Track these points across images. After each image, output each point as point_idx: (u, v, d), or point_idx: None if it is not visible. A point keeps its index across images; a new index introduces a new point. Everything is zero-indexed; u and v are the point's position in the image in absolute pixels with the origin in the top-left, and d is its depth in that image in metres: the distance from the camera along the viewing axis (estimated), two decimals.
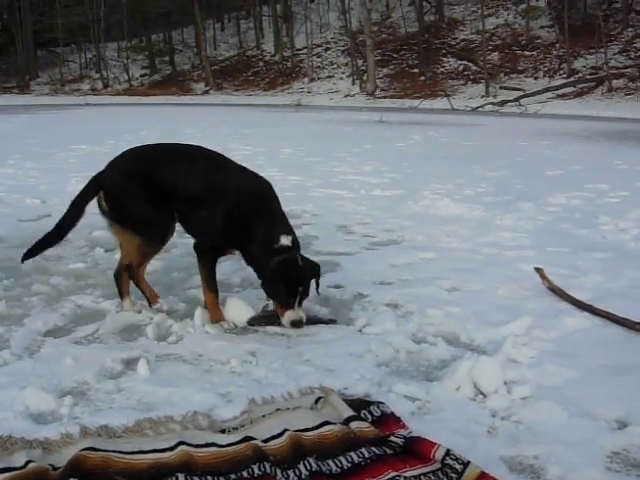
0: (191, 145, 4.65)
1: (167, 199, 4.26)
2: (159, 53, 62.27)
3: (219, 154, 4.49)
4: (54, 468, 2.53)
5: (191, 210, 4.28)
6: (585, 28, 42.89)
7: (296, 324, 4.01)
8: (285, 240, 4.09)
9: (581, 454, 2.68)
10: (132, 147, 4.63)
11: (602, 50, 39.82)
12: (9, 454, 2.61)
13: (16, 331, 3.99)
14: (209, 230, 4.23)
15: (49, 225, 6.82)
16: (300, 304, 4.06)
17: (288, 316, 4.01)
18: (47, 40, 63.35)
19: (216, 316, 4.19)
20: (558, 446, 2.74)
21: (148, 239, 4.31)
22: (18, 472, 2.47)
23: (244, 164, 4.57)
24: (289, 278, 3.99)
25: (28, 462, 2.51)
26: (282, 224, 4.18)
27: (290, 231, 4.16)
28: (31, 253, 4.45)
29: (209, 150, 4.52)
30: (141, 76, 60.97)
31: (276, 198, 4.27)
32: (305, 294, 4.09)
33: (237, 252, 4.30)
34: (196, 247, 4.31)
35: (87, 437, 2.77)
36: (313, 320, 4.16)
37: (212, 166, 4.33)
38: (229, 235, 4.16)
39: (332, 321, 4.21)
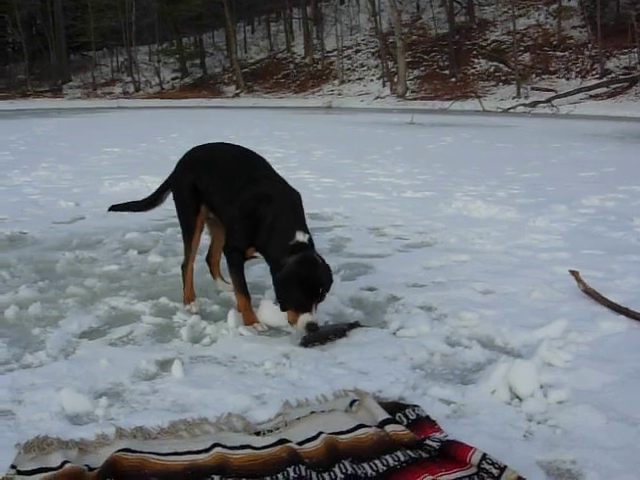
0: (241, 149, 4.67)
1: (201, 198, 4.49)
2: (190, 56, 62.62)
3: (262, 161, 4.52)
4: (90, 469, 2.55)
5: (221, 211, 4.43)
6: (618, 28, 42.39)
7: (313, 328, 3.87)
8: (301, 237, 4.01)
9: (620, 459, 2.64)
10: (197, 145, 4.84)
11: (635, 50, 39.37)
12: (46, 454, 2.63)
13: (51, 333, 4.04)
14: (232, 231, 4.28)
15: (83, 227, 7.00)
16: (316, 307, 3.94)
17: (303, 319, 3.86)
18: (80, 44, 64.03)
19: (249, 319, 4.18)
20: (596, 451, 2.71)
21: (182, 235, 4.69)
22: (54, 472, 2.49)
23: (277, 166, 4.60)
24: (309, 278, 3.88)
25: (64, 462, 2.54)
26: (299, 224, 4.11)
27: (307, 230, 4.10)
28: (117, 207, 5.12)
29: (255, 156, 4.55)
30: (172, 79, 61.34)
31: (299, 204, 4.23)
32: (324, 296, 3.99)
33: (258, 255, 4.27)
34: (223, 248, 4.40)
35: (122, 438, 2.78)
36: (327, 332, 4.00)
37: (245, 173, 4.34)
38: (248, 235, 4.15)
39: (353, 325, 4.13)
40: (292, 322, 3.95)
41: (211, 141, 4.92)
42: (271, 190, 4.20)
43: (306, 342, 3.88)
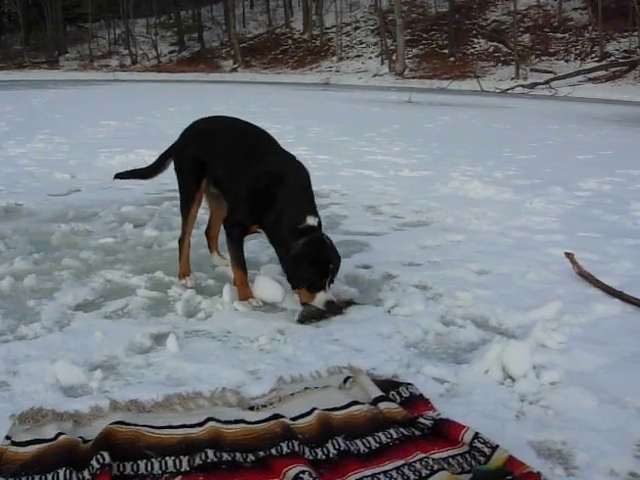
0: (245, 123, 4.63)
1: (203, 171, 4.45)
2: (188, 30, 62.20)
3: (267, 135, 4.49)
4: (84, 441, 2.56)
5: (225, 186, 4.40)
6: (619, 11, 42.18)
7: (330, 304, 3.90)
8: (311, 220, 4.02)
9: (610, 441, 2.66)
10: (201, 117, 4.82)
11: (636, 33, 39.24)
12: (40, 426, 2.64)
13: (46, 305, 4.04)
14: (236, 206, 4.26)
15: (79, 200, 6.99)
16: (329, 285, 3.97)
17: (320, 298, 3.89)
18: (76, 16, 63.59)
19: (245, 293, 4.18)
20: (587, 432, 2.72)
21: (181, 208, 4.63)
22: (49, 444, 2.50)
23: None
24: (320, 258, 3.91)
25: (59, 434, 2.55)
26: (309, 206, 4.12)
27: (316, 213, 4.10)
28: (122, 175, 5.12)
29: (259, 130, 4.52)
30: (169, 53, 60.99)
31: (308, 184, 4.22)
32: (335, 274, 4.02)
33: (262, 231, 4.27)
34: (224, 222, 4.36)
35: (117, 411, 2.79)
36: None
37: (251, 147, 4.32)
38: (255, 213, 4.14)
39: (349, 303, 4.14)
40: (308, 302, 3.94)
41: (208, 115, 4.89)
42: (283, 169, 4.17)
43: (303, 319, 3.88)
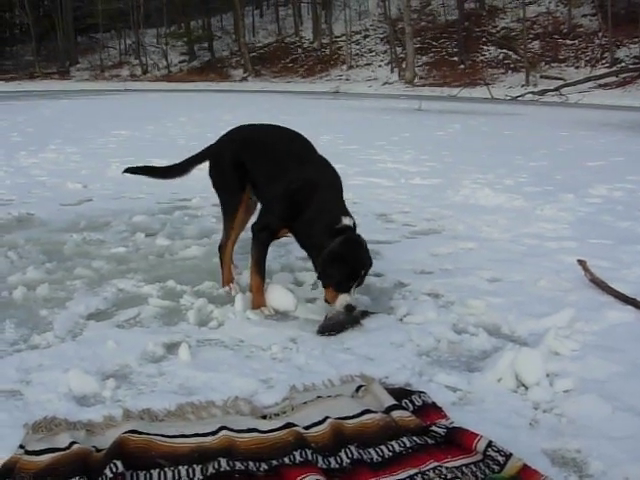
0: (281, 128, 4.66)
1: (247, 176, 4.44)
2: (198, 39, 62.37)
3: (303, 139, 4.49)
4: (97, 450, 2.56)
5: (262, 190, 4.40)
6: (629, 16, 42.10)
7: (351, 309, 3.86)
8: (347, 221, 4.00)
9: (625, 449, 2.64)
10: (240, 125, 4.79)
11: None
12: (54, 435, 2.65)
13: (59, 314, 4.05)
14: (269, 209, 4.27)
15: (91, 209, 7.01)
16: (355, 289, 3.92)
17: (342, 300, 3.84)
18: (87, 26, 63.95)
19: (259, 301, 4.17)
20: (601, 440, 2.71)
21: (224, 213, 4.60)
22: (62, 453, 2.50)
23: None
24: (354, 259, 3.87)
25: (72, 443, 2.55)
26: (343, 208, 4.11)
27: (351, 215, 4.08)
28: (133, 170, 5.02)
29: (296, 134, 4.53)
30: (180, 62, 61.19)
31: (341, 189, 4.23)
32: (363, 279, 3.97)
33: (291, 235, 4.24)
34: (252, 225, 4.34)
35: (130, 420, 2.80)
36: (344, 321, 3.97)
37: (288, 152, 4.34)
38: (287, 216, 4.12)
39: (365, 313, 4.11)
40: (330, 301, 3.91)
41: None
42: (319, 173, 4.20)
43: (323, 330, 3.88)
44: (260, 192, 4.44)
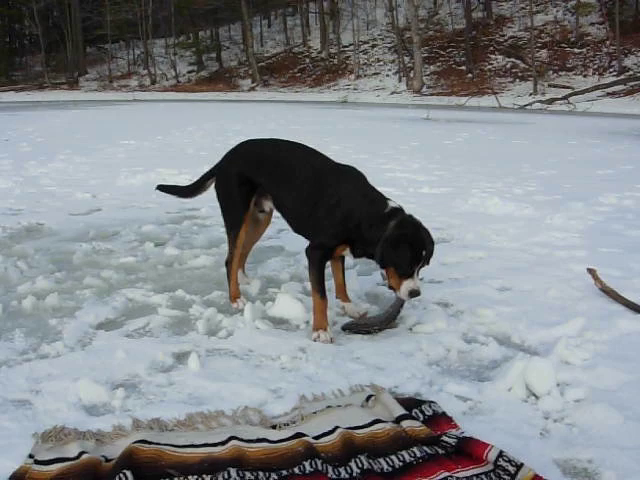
0: (290, 142, 4.60)
1: (253, 192, 4.41)
2: (206, 50, 62.68)
3: (314, 150, 4.42)
4: (107, 460, 2.56)
5: (285, 206, 4.35)
6: (637, 25, 42.16)
7: (414, 294, 3.76)
8: (393, 203, 3.91)
9: (637, 459, 2.63)
10: (247, 140, 4.74)
11: None
12: (63, 445, 2.65)
13: (68, 323, 4.06)
14: (321, 229, 4.07)
15: (100, 219, 7.03)
16: (418, 272, 3.81)
17: (407, 286, 3.74)
18: (96, 37, 64.31)
19: (321, 323, 3.97)
20: (613, 450, 2.69)
21: (227, 231, 4.56)
22: (72, 463, 2.51)
23: None
24: (415, 240, 3.75)
25: (82, 453, 2.56)
26: (381, 195, 4.02)
27: (391, 199, 3.96)
28: (164, 188, 5.03)
29: (305, 147, 4.45)
30: (188, 72, 61.43)
31: (366, 179, 4.19)
32: (428, 260, 3.86)
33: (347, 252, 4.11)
34: (307, 249, 4.13)
35: (139, 430, 2.80)
36: (373, 323, 4.00)
37: (307, 165, 4.25)
38: (343, 233, 3.98)
39: (393, 317, 4.04)
40: (395, 287, 3.81)
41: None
42: (347, 178, 4.13)
43: (347, 327, 3.94)
44: (283, 207, 4.35)
